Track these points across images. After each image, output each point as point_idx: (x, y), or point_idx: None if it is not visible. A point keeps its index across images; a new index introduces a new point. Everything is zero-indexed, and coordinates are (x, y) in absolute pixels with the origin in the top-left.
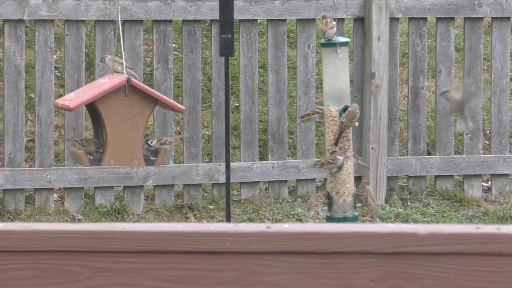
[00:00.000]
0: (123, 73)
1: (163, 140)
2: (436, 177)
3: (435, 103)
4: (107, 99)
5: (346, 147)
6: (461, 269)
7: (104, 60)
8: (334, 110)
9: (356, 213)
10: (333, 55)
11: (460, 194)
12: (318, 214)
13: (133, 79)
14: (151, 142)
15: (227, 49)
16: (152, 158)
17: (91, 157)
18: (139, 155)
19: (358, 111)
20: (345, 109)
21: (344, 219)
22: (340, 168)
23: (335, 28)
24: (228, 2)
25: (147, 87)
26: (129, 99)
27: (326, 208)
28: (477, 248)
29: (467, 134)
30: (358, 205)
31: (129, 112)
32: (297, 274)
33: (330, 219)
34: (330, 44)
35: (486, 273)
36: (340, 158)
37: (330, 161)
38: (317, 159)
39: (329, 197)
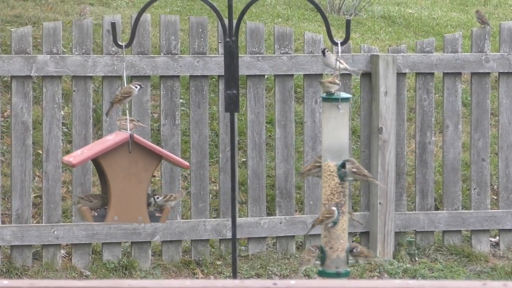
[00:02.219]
0: (129, 128)
1: (168, 196)
2: (444, 232)
3: (443, 158)
4: (111, 155)
5: (343, 202)
6: None
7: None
8: (332, 165)
9: (349, 269)
10: (334, 110)
11: (468, 249)
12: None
13: (136, 136)
14: (157, 198)
15: (232, 105)
16: (157, 214)
17: (96, 214)
18: (144, 211)
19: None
20: (343, 164)
21: (337, 275)
22: (335, 223)
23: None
24: (233, 57)
25: (150, 143)
26: (133, 155)
27: (318, 262)
28: None
29: (474, 189)
30: (351, 260)
31: (133, 168)
32: None
33: (322, 274)
34: (331, 99)
35: None
36: (335, 209)
37: (327, 215)
38: (315, 219)
39: (322, 252)
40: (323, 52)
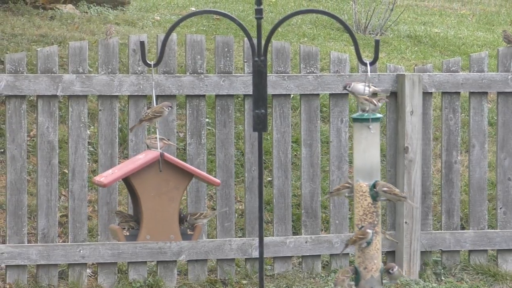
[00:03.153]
0: (159, 147)
1: (198, 215)
2: (470, 251)
3: (469, 177)
4: (142, 175)
5: (376, 222)
6: None
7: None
8: (364, 185)
9: None
10: (365, 130)
11: (494, 268)
12: None
13: (166, 154)
14: (188, 217)
15: (260, 124)
16: (189, 232)
17: (128, 233)
18: (176, 230)
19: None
20: (374, 184)
21: None
22: (369, 243)
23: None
24: (261, 77)
25: (181, 161)
26: (164, 174)
27: (353, 283)
28: None
29: (500, 208)
30: (384, 281)
31: (164, 187)
32: None
33: None
34: (362, 119)
35: None
36: (370, 231)
37: (360, 236)
38: (349, 238)
39: (356, 272)
40: (345, 88)
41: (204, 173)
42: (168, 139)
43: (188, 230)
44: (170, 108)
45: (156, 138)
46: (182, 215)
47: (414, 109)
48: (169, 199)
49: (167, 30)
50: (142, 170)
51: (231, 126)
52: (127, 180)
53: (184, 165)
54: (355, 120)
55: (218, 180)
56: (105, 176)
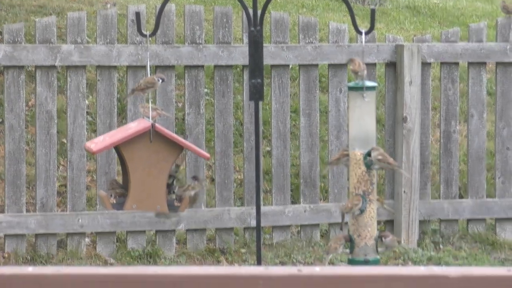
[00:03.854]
0: (151, 117)
1: (186, 187)
2: (468, 220)
3: (467, 147)
4: (132, 144)
5: (370, 190)
6: None
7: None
8: (359, 153)
9: (378, 257)
10: (359, 99)
11: (492, 237)
12: (339, 258)
13: (157, 125)
14: (175, 188)
15: (256, 94)
16: (176, 204)
17: (115, 201)
18: (163, 201)
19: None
20: (369, 153)
21: (365, 262)
22: (362, 211)
23: (366, 71)
24: (257, 47)
25: (172, 133)
26: (154, 145)
27: (347, 250)
28: None
29: (499, 178)
30: (380, 249)
31: (153, 158)
32: None
33: (351, 262)
34: (357, 88)
35: None
36: (361, 199)
37: (355, 203)
38: (344, 206)
39: (350, 240)
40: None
41: (194, 146)
42: (162, 109)
43: (176, 201)
44: (162, 80)
45: (149, 107)
46: (173, 184)
47: (413, 79)
48: (158, 170)
49: (163, 0)
50: (132, 140)
51: (229, 96)
52: (118, 148)
53: (175, 137)
54: (350, 88)
55: (207, 154)
56: (95, 143)
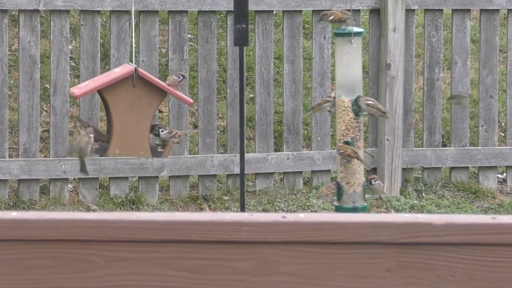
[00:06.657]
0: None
1: (174, 133)
2: (451, 168)
3: (451, 94)
4: (115, 89)
5: (358, 137)
6: (477, 259)
7: None
8: (347, 100)
9: (366, 204)
10: (347, 45)
11: (475, 185)
12: (332, 204)
13: (141, 70)
14: (162, 131)
15: (241, 39)
16: (159, 149)
17: (97, 146)
18: (146, 146)
19: None
20: (357, 100)
21: (354, 209)
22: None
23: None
24: None
25: (155, 78)
26: (137, 90)
27: (335, 198)
28: (493, 239)
29: (482, 126)
30: (367, 195)
31: (136, 103)
32: (313, 264)
33: (339, 209)
34: (344, 34)
35: (502, 263)
36: (348, 145)
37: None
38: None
39: (339, 187)
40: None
41: (177, 92)
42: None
43: (159, 147)
44: (182, 77)
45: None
46: (157, 129)
47: (396, 26)
48: (141, 115)
49: None
50: (115, 84)
51: (213, 42)
52: (102, 94)
53: (158, 82)
54: (337, 34)
55: (190, 100)
56: (79, 88)
